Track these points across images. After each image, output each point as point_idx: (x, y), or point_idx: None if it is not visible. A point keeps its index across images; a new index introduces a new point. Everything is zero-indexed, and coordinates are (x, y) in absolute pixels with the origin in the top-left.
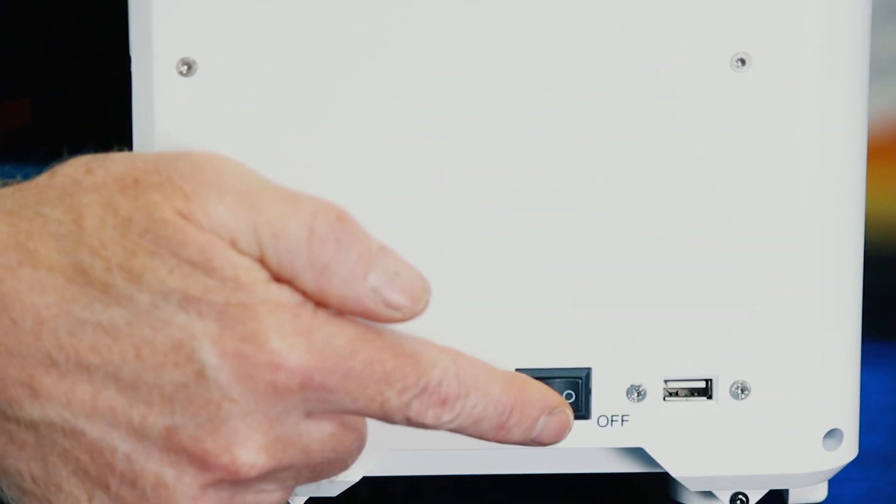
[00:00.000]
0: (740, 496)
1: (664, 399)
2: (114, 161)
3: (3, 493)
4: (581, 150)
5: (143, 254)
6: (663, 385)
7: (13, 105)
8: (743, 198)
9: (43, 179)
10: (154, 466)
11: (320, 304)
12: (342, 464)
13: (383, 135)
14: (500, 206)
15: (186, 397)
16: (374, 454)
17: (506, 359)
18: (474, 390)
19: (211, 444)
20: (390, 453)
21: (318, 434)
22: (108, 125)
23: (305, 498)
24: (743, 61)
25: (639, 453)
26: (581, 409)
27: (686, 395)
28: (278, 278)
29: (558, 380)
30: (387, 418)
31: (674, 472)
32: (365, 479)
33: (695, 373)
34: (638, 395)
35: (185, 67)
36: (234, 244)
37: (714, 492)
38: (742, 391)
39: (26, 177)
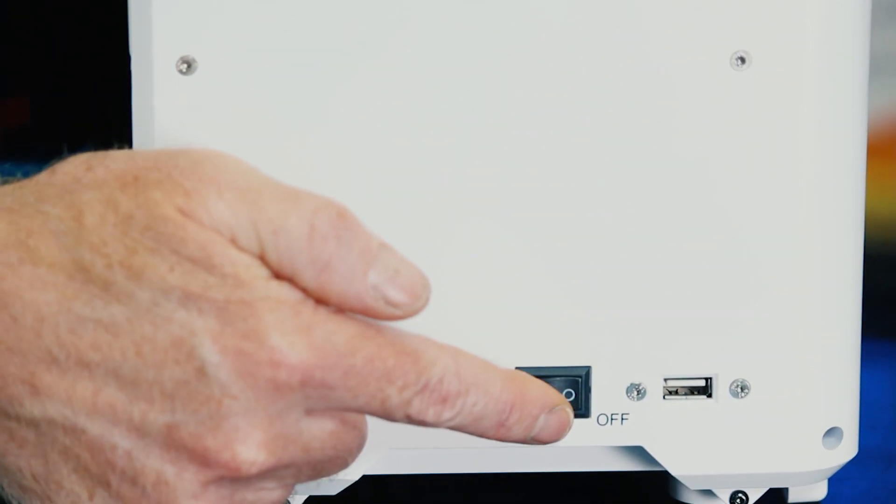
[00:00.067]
0: (740, 495)
1: (664, 398)
2: (114, 158)
3: (4, 491)
4: (581, 149)
5: (143, 251)
6: (663, 383)
7: (13, 103)
8: (742, 196)
9: (43, 177)
10: (155, 463)
11: (320, 301)
12: (342, 462)
13: (383, 133)
14: (500, 205)
15: (187, 394)
16: (375, 452)
17: (506, 357)
18: (475, 388)
19: (211, 441)
20: (390, 452)
21: (319, 432)
22: (108, 123)
23: (305, 496)
24: (743, 60)
25: (638, 452)
26: (581, 408)
27: (686, 394)
28: (279, 275)
29: (558, 378)
30: (387, 416)
31: (673, 471)
32: (365, 478)
33: (694, 371)
34: (638, 394)
35: (185, 66)
36: (234, 241)
37: (714, 490)
38: (742, 390)
39: (26, 175)
